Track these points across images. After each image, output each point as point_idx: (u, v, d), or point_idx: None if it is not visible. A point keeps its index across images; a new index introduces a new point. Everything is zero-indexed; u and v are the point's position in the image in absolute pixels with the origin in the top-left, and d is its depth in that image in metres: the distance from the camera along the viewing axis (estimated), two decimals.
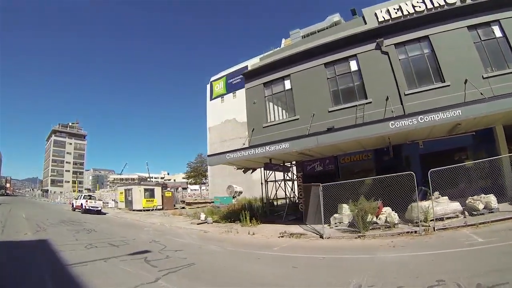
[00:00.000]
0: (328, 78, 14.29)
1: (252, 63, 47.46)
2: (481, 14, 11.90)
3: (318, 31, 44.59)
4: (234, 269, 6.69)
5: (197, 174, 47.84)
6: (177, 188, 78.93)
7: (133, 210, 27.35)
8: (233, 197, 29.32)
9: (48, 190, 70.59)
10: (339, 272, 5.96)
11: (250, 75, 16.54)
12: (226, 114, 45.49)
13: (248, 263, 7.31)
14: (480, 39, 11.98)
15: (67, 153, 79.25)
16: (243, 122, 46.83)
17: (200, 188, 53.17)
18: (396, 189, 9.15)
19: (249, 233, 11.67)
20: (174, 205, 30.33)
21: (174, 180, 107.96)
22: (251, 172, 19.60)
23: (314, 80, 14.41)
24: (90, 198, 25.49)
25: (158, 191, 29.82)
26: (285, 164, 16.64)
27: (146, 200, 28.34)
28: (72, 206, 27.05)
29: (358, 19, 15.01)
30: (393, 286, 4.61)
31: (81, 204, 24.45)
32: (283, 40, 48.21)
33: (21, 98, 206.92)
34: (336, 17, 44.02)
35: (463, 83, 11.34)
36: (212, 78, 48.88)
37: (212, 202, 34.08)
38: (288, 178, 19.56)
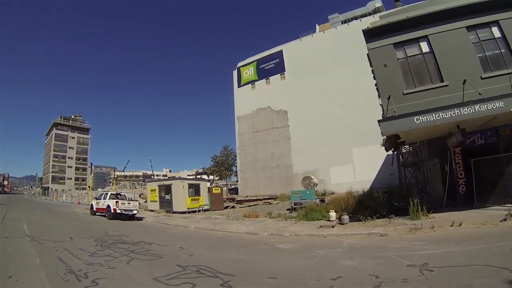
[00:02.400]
0: (473, 43, 10.93)
1: (286, 47, 40.02)
2: None
3: (359, 17, 38.20)
4: None
5: (223, 169, 39.39)
6: None
7: (174, 212, 18.99)
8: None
9: (48, 188, 59.75)
10: None
11: (373, 33, 12.32)
12: (259, 102, 37.57)
13: None
14: None
15: (70, 147, 67.71)
16: (279, 110, 38.76)
17: (227, 184, 44.71)
18: None
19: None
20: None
21: (179, 177, 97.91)
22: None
23: (457, 44, 11.06)
24: (119, 198, 16.94)
25: (204, 187, 21.49)
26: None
27: (191, 199, 19.98)
28: (91, 209, 18.41)
29: None
30: None
31: (108, 206, 15.91)
32: (317, 26, 40.94)
33: (18, 93, 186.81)
34: (378, 3, 37.01)
35: None
36: (240, 64, 40.77)
37: (267, 199, 26.15)
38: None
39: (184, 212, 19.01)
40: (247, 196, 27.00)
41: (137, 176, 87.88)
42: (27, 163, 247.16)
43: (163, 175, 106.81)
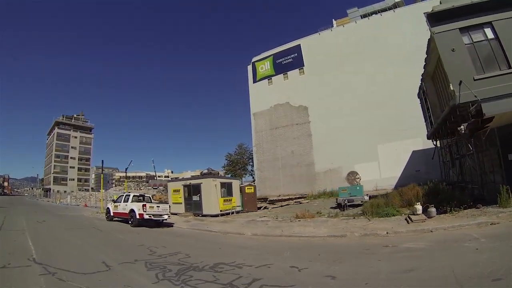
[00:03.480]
0: None
1: (305, 41, 37.03)
2: None
3: (378, 11, 35.63)
4: None
5: (238, 168, 35.94)
6: None
7: (204, 216, 15.56)
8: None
9: (50, 189, 55.08)
10: None
11: (438, 17, 11.46)
12: (276, 97, 34.31)
13: None
14: None
15: (72, 147, 62.31)
16: (299, 106, 35.48)
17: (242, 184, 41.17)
18: None
19: None
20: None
21: (183, 178, 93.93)
22: None
23: None
24: (144, 200, 13.44)
25: (236, 186, 18.10)
26: None
27: (224, 200, 16.55)
28: (108, 213, 14.90)
29: None
30: None
31: (132, 211, 12.39)
32: (334, 21, 38.16)
33: (18, 93, 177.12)
34: None
35: None
36: (255, 59, 37.48)
37: (297, 198, 22.82)
38: None
39: (216, 215, 15.60)
40: (280, 196, 23.74)
41: (140, 177, 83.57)
42: (27, 165, 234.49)
43: (165, 176, 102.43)
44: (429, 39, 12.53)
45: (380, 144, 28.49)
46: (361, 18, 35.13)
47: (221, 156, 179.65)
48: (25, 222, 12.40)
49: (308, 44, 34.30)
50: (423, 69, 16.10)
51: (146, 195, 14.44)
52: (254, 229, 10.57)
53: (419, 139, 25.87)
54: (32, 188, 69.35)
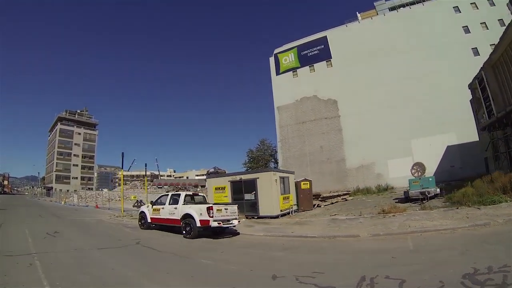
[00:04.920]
0: None
1: (331, 33, 33.38)
2: None
3: (406, 4, 32.82)
4: None
5: (260, 165, 31.92)
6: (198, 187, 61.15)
7: (259, 217, 11.56)
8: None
9: (52, 188, 49.27)
10: None
11: None
12: (302, 90, 30.66)
13: None
14: None
15: (75, 144, 56.09)
16: (327, 99, 31.51)
17: None
18: None
19: None
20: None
21: (187, 177, 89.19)
22: None
23: None
24: (195, 201, 9.27)
25: (292, 181, 14.08)
26: None
27: (283, 198, 12.53)
28: (143, 219, 10.46)
29: None
30: None
31: (188, 216, 8.17)
32: (359, 14, 35.00)
33: (18, 90, 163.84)
34: None
35: None
36: (277, 50, 33.73)
37: (342, 195, 19.15)
38: None
39: (276, 217, 11.63)
40: (330, 192, 20.06)
41: (144, 176, 78.21)
42: (27, 163, 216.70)
43: (167, 175, 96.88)
44: (509, 24, 11.27)
45: (414, 139, 25.78)
46: (389, 10, 32.64)
47: (224, 156, 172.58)
48: (30, 236, 8.00)
49: (335, 36, 30.99)
50: (488, 57, 14.02)
51: (199, 194, 10.18)
52: (361, 230, 7.72)
53: (453, 134, 23.79)
54: (32, 187, 62.77)
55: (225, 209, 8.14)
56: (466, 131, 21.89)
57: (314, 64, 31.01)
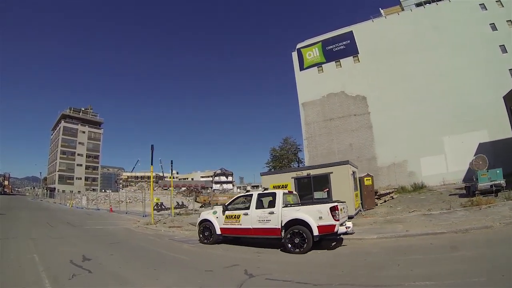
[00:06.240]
0: None
1: (357, 28, 32.40)
2: None
3: (433, 1, 32.25)
4: None
5: (283, 165, 30.57)
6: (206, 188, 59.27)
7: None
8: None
9: (55, 188, 46.67)
10: None
11: None
12: (329, 86, 29.57)
13: None
14: None
15: (79, 143, 53.47)
16: (356, 95, 30.25)
17: None
18: None
19: None
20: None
21: (192, 179, 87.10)
22: None
23: None
24: (279, 199, 7.10)
25: (357, 176, 12.73)
26: None
27: (355, 195, 11.19)
28: (206, 230, 7.92)
29: None
30: None
31: (298, 222, 6.31)
32: (382, 11, 34.19)
33: (18, 88, 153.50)
34: None
35: None
36: (300, 45, 32.60)
37: (390, 193, 18.04)
38: None
39: (352, 217, 10.21)
40: (387, 188, 19.00)
41: (150, 177, 75.76)
42: (28, 163, 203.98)
43: (169, 177, 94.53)
44: None
45: (446, 136, 25.15)
46: (416, 6, 32.04)
47: (229, 157, 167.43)
48: (44, 271, 4.76)
49: (361, 32, 30.10)
50: None
51: (293, 192, 8.59)
52: (481, 221, 6.92)
53: (485, 131, 23.15)
54: (33, 188, 59.87)
55: (342, 208, 6.67)
56: (499, 128, 21.29)
57: (340, 60, 29.98)
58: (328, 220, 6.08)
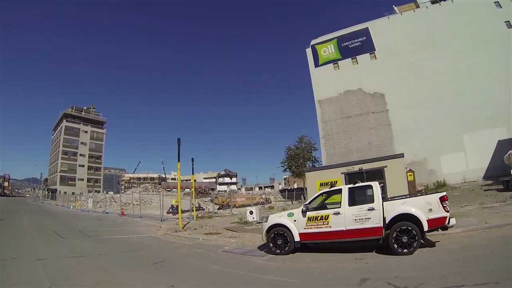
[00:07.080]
0: None
1: (373, 25, 31.82)
2: None
3: None
4: None
5: (299, 164, 29.84)
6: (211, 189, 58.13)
7: None
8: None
9: (56, 190, 45.03)
10: None
11: None
12: (346, 83, 29.08)
13: None
14: None
15: (82, 143, 51.77)
16: (374, 93, 29.36)
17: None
18: None
19: None
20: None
21: (195, 180, 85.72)
22: None
23: None
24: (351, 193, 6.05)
25: None
26: None
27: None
28: (282, 239, 6.28)
29: None
30: None
31: (407, 216, 5.32)
32: (396, 8, 33.88)
33: (18, 88, 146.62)
34: None
35: None
36: (314, 42, 32.07)
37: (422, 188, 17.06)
38: None
39: None
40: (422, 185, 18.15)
41: (152, 178, 74.48)
42: (28, 165, 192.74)
43: (171, 179, 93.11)
44: None
45: (465, 133, 24.89)
46: (431, 4, 31.84)
47: (231, 159, 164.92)
48: None
49: (377, 28, 29.71)
50: None
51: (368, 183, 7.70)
52: None
53: (504, 128, 23.01)
54: (34, 189, 57.88)
55: None
56: None
57: (357, 56, 29.53)
58: (439, 212, 5.32)
